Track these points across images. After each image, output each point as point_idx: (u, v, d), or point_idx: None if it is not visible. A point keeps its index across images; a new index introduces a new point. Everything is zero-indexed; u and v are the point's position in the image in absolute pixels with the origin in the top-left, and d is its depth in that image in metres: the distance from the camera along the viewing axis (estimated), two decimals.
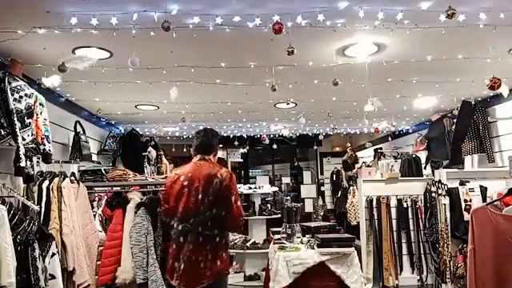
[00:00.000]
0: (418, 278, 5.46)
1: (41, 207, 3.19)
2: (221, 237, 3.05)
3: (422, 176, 5.81)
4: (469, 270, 2.21)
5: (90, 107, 5.16)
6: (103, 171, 4.39)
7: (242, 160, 10.03)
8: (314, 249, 3.94)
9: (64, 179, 3.50)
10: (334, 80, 3.51)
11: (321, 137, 8.05)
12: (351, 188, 7.61)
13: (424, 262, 5.48)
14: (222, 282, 3.11)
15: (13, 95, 2.89)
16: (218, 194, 3.02)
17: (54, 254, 2.89)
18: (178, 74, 3.80)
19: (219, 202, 3.02)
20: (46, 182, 3.33)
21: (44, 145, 3.16)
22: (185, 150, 8.37)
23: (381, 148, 8.03)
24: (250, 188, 6.58)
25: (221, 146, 9.40)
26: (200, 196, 3.04)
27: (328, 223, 5.09)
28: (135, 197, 4.16)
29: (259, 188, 6.63)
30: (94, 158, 5.25)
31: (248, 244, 6.04)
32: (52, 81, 3.39)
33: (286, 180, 10.57)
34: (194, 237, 3.01)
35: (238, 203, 3.08)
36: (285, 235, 4.24)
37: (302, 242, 4.16)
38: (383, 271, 5.43)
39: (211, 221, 3.01)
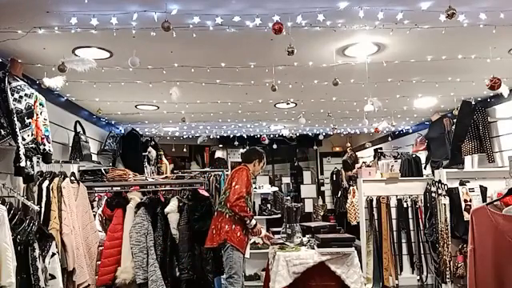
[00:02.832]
0: (418, 278, 5.46)
1: (41, 207, 3.20)
2: (225, 212, 3.96)
3: (422, 176, 5.81)
4: (469, 270, 2.21)
5: (90, 107, 5.16)
6: (103, 171, 4.39)
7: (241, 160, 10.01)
8: (314, 249, 3.94)
9: (64, 179, 3.51)
10: (334, 80, 3.50)
11: (321, 137, 8.05)
12: (351, 188, 7.61)
13: (424, 261, 5.48)
14: (225, 248, 3.89)
15: (13, 95, 2.89)
16: (230, 181, 4.07)
17: (54, 254, 2.89)
18: (178, 74, 3.80)
19: (230, 186, 4.02)
20: (46, 182, 3.34)
21: (44, 145, 3.16)
22: (185, 149, 8.38)
23: (381, 148, 8.03)
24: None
25: (221, 146, 9.44)
26: (225, 185, 4.25)
27: (328, 223, 5.09)
28: (135, 197, 4.16)
29: (259, 188, 6.63)
30: (94, 158, 5.25)
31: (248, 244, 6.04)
32: (55, 82, 3.39)
33: (286, 180, 10.54)
34: (216, 212, 4.12)
35: (236, 186, 3.91)
36: (285, 235, 4.24)
37: (302, 242, 4.16)
38: (383, 271, 5.43)
39: (223, 200, 4.05)
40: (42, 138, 3.15)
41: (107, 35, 2.77)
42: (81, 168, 4.43)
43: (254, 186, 6.75)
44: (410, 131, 7.24)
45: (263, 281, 4.95)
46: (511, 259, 2.00)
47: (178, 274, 4.00)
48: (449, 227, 4.82)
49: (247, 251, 4.21)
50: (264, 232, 4.34)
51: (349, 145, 9.33)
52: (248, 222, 3.96)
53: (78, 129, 4.74)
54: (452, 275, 4.81)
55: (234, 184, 3.95)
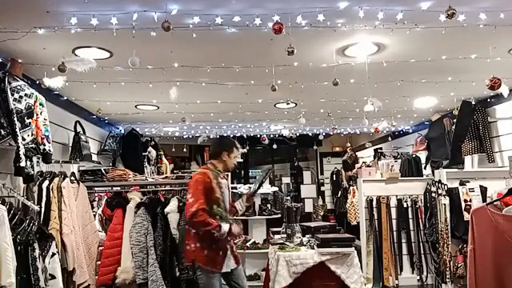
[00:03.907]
0: (418, 277, 5.46)
1: (41, 207, 3.20)
2: (190, 228, 3.50)
3: (422, 176, 5.81)
4: (469, 270, 2.21)
5: (90, 107, 5.16)
6: (103, 171, 4.39)
7: (242, 160, 10.01)
8: (313, 249, 3.94)
9: (64, 179, 3.51)
10: (334, 80, 3.50)
11: (321, 137, 8.04)
12: (351, 188, 7.61)
13: (424, 261, 5.48)
14: (195, 269, 3.46)
15: (13, 95, 2.89)
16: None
17: (54, 254, 2.89)
18: (178, 74, 3.80)
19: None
20: (46, 182, 3.34)
21: (44, 145, 3.16)
22: (185, 149, 8.38)
23: (381, 148, 8.03)
24: (250, 188, 6.56)
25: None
26: None
27: (328, 223, 5.09)
28: (135, 197, 4.16)
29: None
30: (94, 158, 5.25)
31: (248, 244, 6.04)
32: (55, 82, 3.39)
33: (286, 180, 10.55)
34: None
35: (190, 200, 3.36)
36: (285, 235, 4.24)
37: (302, 242, 4.15)
38: (383, 271, 5.43)
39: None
40: (42, 138, 3.15)
41: (107, 35, 2.77)
42: (81, 168, 4.42)
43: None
44: (410, 131, 7.24)
45: (263, 281, 4.96)
46: (511, 259, 2.00)
47: (177, 273, 4.00)
48: (449, 227, 4.82)
49: (231, 263, 3.53)
50: (238, 229, 3.62)
51: (349, 145, 9.33)
52: (217, 233, 3.32)
53: (78, 129, 4.74)
54: (452, 275, 4.81)
55: (188, 197, 3.40)
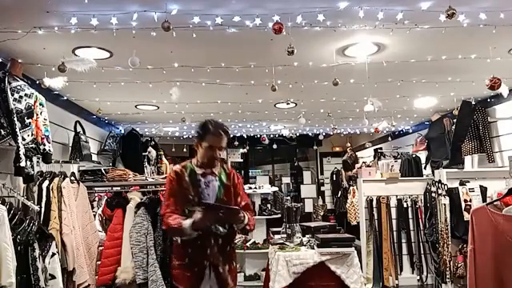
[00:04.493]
0: (418, 277, 5.46)
1: (41, 207, 3.19)
2: None
3: (422, 176, 5.81)
4: (469, 270, 2.21)
5: (90, 107, 5.16)
6: (103, 171, 4.39)
7: (242, 160, 10.02)
8: (313, 249, 3.94)
9: (64, 179, 3.50)
10: (334, 80, 3.50)
11: (321, 137, 8.05)
12: (351, 188, 7.61)
13: (424, 261, 5.48)
14: None
15: (13, 95, 2.89)
16: None
17: (54, 254, 2.89)
18: (178, 74, 3.80)
19: None
20: (46, 182, 3.34)
21: (44, 145, 3.16)
22: (185, 149, 8.37)
23: (381, 148, 8.03)
24: (250, 188, 6.57)
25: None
26: None
27: (328, 223, 5.09)
28: (135, 197, 4.16)
29: (259, 188, 6.63)
30: (94, 157, 5.25)
31: (248, 244, 6.04)
32: (55, 83, 3.40)
33: (286, 180, 10.55)
34: None
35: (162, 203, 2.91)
36: (285, 235, 4.24)
37: (301, 242, 4.15)
38: (383, 271, 5.43)
39: None
40: (42, 138, 3.15)
41: (107, 35, 2.77)
42: (81, 168, 4.42)
43: (254, 186, 6.75)
44: (410, 131, 7.24)
45: (263, 281, 4.95)
46: (511, 259, 2.00)
47: None
48: (449, 227, 4.82)
49: None
50: (209, 217, 2.62)
51: (349, 145, 9.33)
52: (183, 235, 2.63)
53: (78, 129, 4.74)
54: (452, 275, 4.81)
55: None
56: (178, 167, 2.89)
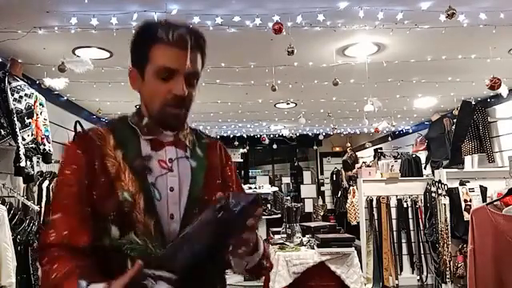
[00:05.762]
0: (418, 277, 5.45)
1: (41, 207, 3.19)
2: None
3: (422, 176, 5.81)
4: (469, 270, 2.21)
5: (90, 107, 5.16)
6: None
7: (242, 160, 10.02)
8: (313, 249, 3.94)
9: None
10: (334, 80, 3.50)
11: (321, 137, 8.05)
12: (351, 188, 7.61)
13: (424, 261, 5.47)
14: None
15: (13, 95, 2.89)
16: None
17: None
18: None
19: None
20: (46, 182, 3.33)
21: (44, 145, 3.16)
22: None
23: (381, 148, 8.03)
24: (250, 188, 6.58)
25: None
26: None
27: (328, 223, 5.08)
28: None
29: (259, 188, 6.63)
30: None
31: None
32: (57, 83, 3.39)
33: (286, 180, 10.55)
34: None
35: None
36: (285, 235, 4.24)
37: (301, 242, 4.15)
38: (383, 271, 5.42)
39: None
40: (42, 138, 3.15)
41: (107, 35, 2.77)
42: None
43: (253, 186, 6.74)
44: (410, 131, 7.24)
45: (263, 281, 4.95)
46: (511, 259, 2.00)
47: None
48: (449, 227, 4.82)
49: None
50: None
51: (349, 145, 9.33)
52: None
53: (78, 129, 4.73)
54: (452, 275, 4.81)
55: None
56: (88, 133, 1.27)
